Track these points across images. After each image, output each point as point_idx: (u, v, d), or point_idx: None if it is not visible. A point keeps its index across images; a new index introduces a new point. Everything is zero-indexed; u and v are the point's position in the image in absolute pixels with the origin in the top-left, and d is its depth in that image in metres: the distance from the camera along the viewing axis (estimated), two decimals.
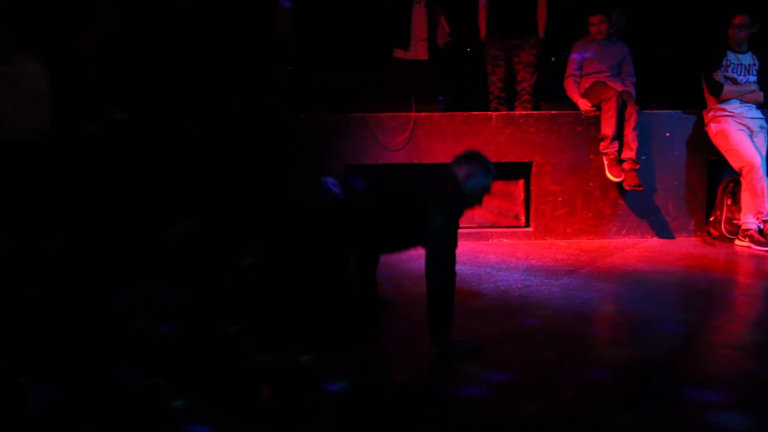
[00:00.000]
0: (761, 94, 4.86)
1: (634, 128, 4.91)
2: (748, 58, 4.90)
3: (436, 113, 5.24)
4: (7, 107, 4.65)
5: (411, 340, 2.80)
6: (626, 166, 4.89)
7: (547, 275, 3.99)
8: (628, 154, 4.89)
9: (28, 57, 4.78)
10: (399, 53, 5.80)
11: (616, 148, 4.89)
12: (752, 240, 4.73)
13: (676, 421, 2.05)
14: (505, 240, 5.07)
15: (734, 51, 4.90)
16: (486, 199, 5.13)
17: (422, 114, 5.15)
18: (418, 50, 5.73)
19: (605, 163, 4.96)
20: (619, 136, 4.91)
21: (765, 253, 4.60)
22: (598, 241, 5.07)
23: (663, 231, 5.20)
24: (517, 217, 5.26)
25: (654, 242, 5.05)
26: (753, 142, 4.81)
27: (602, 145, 4.96)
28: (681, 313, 3.39)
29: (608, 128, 4.89)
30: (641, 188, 4.87)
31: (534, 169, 5.12)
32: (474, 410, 2.13)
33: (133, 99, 5.16)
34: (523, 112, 5.28)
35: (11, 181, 4.60)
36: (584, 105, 5.15)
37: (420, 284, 2.73)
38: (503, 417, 2.08)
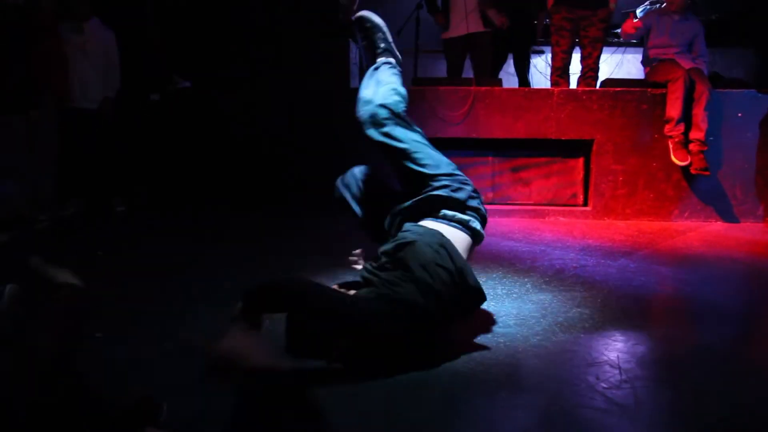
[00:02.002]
0: None
1: (705, 108, 4.73)
2: None
3: (497, 87, 5.17)
4: (77, 76, 4.82)
5: None
6: (693, 147, 4.73)
7: (603, 256, 3.92)
8: (697, 135, 4.73)
9: (98, 26, 4.94)
10: (445, 34, 5.71)
11: (682, 131, 4.73)
12: None
13: (728, 407, 2.00)
14: (562, 218, 5.00)
15: None
16: (544, 176, 5.14)
17: (482, 88, 5.09)
18: (470, 23, 5.57)
19: (670, 146, 4.81)
20: (685, 117, 4.74)
21: None
22: (658, 223, 4.95)
23: (728, 215, 5.03)
24: (575, 195, 5.17)
25: (718, 226, 4.89)
26: None
27: (667, 127, 4.80)
28: (743, 301, 3.29)
29: (674, 110, 4.73)
30: (708, 173, 4.72)
31: (595, 147, 5.01)
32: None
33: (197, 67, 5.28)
34: (586, 89, 5.17)
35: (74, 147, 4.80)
36: (629, 25, 4.99)
37: None
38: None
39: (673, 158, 4.79)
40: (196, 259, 3.75)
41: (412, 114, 4.97)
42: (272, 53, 5.21)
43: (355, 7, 6.22)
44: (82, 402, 1.49)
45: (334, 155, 5.11)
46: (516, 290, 3.14)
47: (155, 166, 5.30)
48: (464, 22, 5.50)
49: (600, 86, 5.42)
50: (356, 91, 5.13)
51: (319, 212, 5.01)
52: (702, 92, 4.74)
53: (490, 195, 5.11)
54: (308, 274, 3.33)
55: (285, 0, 5.25)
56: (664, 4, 5.15)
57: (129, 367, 2.21)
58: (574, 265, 3.69)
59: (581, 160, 5.14)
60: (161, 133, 5.28)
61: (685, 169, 4.92)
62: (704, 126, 4.73)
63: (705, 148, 4.71)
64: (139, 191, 5.33)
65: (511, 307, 2.90)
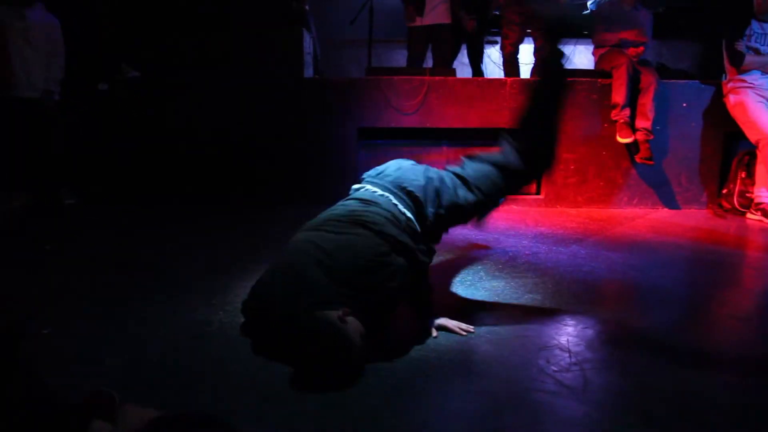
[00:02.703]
0: None
1: (653, 98, 4.85)
2: None
3: (450, 77, 5.20)
4: (19, 63, 4.66)
5: None
6: (640, 136, 4.85)
7: (555, 243, 4.00)
8: (644, 124, 4.85)
9: (42, 12, 4.77)
10: (410, 23, 5.72)
11: (628, 114, 4.84)
12: (764, 214, 4.71)
13: (672, 387, 2.07)
14: (515, 207, 5.07)
15: (759, 20, 4.80)
16: None
17: (436, 78, 5.12)
18: (438, 13, 5.62)
19: (616, 128, 4.91)
20: (631, 103, 4.85)
21: None
22: (608, 210, 5.07)
23: (674, 202, 5.19)
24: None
25: (665, 213, 5.04)
26: None
27: (613, 112, 4.92)
28: (688, 284, 3.40)
29: (619, 96, 4.84)
30: (651, 162, 4.85)
31: None
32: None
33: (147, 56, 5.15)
34: (537, 79, 5.23)
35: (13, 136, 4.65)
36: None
37: None
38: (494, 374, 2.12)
39: (618, 138, 4.88)
40: (145, 252, 3.68)
41: (366, 104, 4.98)
42: (223, 41, 5.12)
43: None
44: (29, 397, 1.45)
45: (287, 145, 5.08)
46: (469, 278, 3.18)
47: (104, 157, 5.17)
48: (432, 12, 5.54)
49: None
50: (310, 81, 5.09)
51: (273, 204, 4.99)
52: (650, 83, 4.86)
53: None
54: (260, 267, 3.31)
55: None
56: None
57: (78, 361, 2.16)
58: (527, 252, 3.75)
59: None
60: (110, 124, 5.15)
61: (633, 156, 5.04)
62: (651, 115, 4.85)
63: (651, 137, 4.84)
64: (88, 183, 5.19)
65: (465, 294, 2.94)
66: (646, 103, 4.86)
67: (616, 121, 4.93)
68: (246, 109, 5.06)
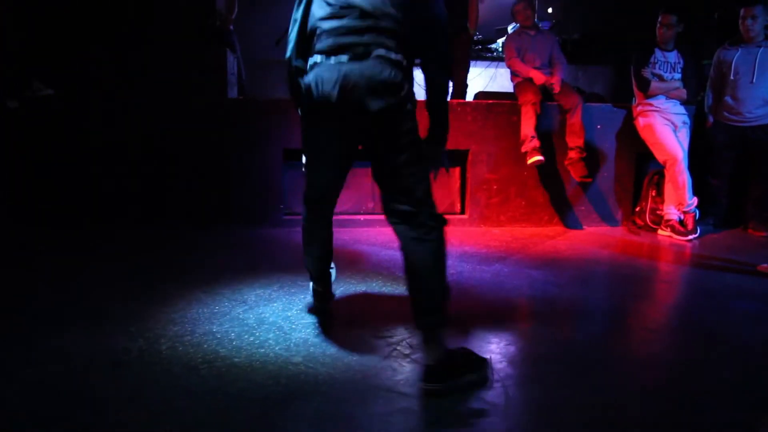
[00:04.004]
0: (685, 91, 5.08)
1: (581, 117, 5.02)
2: (673, 56, 5.11)
3: None
4: None
5: None
6: (574, 155, 4.99)
7: (479, 262, 4.08)
8: (576, 142, 4.99)
9: None
10: None
11: (538, 145, 4.93)
12: (673, 230, 4.97)
13: (589, 400, 2.15)
14: None
15: (661, 49, 5.10)
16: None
17: None
18: None
19: (527, 157, 4.98)
20: (538, 133, 4.98)
21: (684, 242, 4.85)
22: (530, 229, 5.22)
23: (592, 220, 5.40)
24: (452, 204, 5.35)
25: (583, 231, 5.23)
26: (676, 136, 5.03)
27: (523, 146, 4.99)
28: (605, 299, 3.55)
29: (527, 129, 4.97)
30: (590, 179, 5.02)
31: (470, 157, 5.21)
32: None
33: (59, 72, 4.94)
34: (461, 101, 5.37)
35: None
36: (537, 76, 5.16)
37: None
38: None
39: (528, 161, 4.97)
40: (59, 275, 3.52)
41: (292, 125, 4.95)
42: (143, 60, 4.99)
43: (233, 15, 6.14)
44: None
45: (210, 166, 4.99)
46: (395, 296, 3.21)
47: (14, 178, 4.92)
48: None
49: (473, 99, 5.68)
50: (234, 101, 5.04)
51: (195, 225, 4.88)
52: (576, 103, 5.04)
53: (371, 204, 5.18)
54: (181, 293, 3.24)
55: (158, 3, 5.03)
56: (518, 25, 5.50)
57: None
58: (451, 271, 3.80)
59: (458, 170, 5.33)
60: (20, 143, 4.90)
61: (552, 176, 5.24)
62: (582, 133, 5.00)
63: (584, 155, 4.99)
64: None
65: (388, 310, 2.95)
66: (575, 122, 5.03)
67: (523, 152, 5.01)
68: (167, 130, 4.94)
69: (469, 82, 6.03)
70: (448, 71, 2.41)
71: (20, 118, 4.85)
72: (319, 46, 2.23)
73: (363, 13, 2.16)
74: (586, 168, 4.97)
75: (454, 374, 2.15)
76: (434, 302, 2.22)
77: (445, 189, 5.33)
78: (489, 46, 7.93)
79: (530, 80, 5.15)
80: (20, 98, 4.79)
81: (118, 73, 4.92)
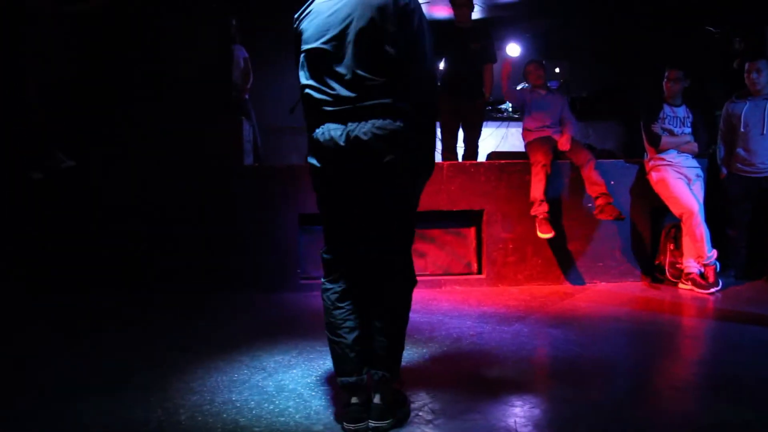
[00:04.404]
0: (696, 144, 5.11)
1: (595, 168, 5.04)
2: (682, 111, 5.16)
3: None
4: None
5: None
6: (601, 201, 4.94)
7: (499, 322, 4.04)
8: (599, 190, 4.97)
9: None
10: None
11: (547, 210, 4.95)
12: (694, 283, 4.90)
13: None
14: (458, 287, 5.12)
15: (670, 104, 5.16)
16: (438, 247, 5.28)
17: None
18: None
19: (536, 224, 5.00)
20: (546, 197, 5.01)
21: (706, 296, 4.77)
22: (548, 286, 5.18)
23: (611, 276, 5.35)
24: (469, 264, 5.33)
25: (602, 287, 5.17)
26: (691, 189, 5.03)
27: (532, 209, 5.01)
28: (628, 356, 3.48)
29: (536, 192, 4.99)
30: (623, 217, 4.96)
31: (485, 217, 5.23)
32: None
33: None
34: (474, 162, 5.44)
35: None
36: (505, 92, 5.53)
37: None
38: None
39: (538, 233, 4.99)
40: (78, 343, 3.52)
41: (307, 190, 5.01)
42: (162, 129, 5.12)
43: (248, 85, 6.31)
44: None
45: (227, 231, 5.05)
46: (414, 360, 3.17)
47: (35, 248, 4.98)
48: None
49: (486, 159, 5.74)
50: (250, 168, 5.13)
51: (211, 290, 4.89)
52: (588, 158, 5.07)
53: None
54: (201, 360, 3.22)
55: (172, 72, 5.19)
56: (529, 85, 5.62)
57: None
58: (471, 333, 3.77)
59: (473, 230, 5.34)
60: (42, 213, 4.98)
61: (569, 235, 5.23)
62: (602, 180, 4.97)
63: (611, 199, 4.95)
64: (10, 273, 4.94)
65: (410, 377, 2.91)
66: (591, 174, 5.03)
67: (532, 215, 5.03)
68: (186, 196, 5.02)
69: (480, 142, 6.13)
70: (435, 120, 2.57)
71: (42, 189, 4.94)
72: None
73: (351, 84, 2.34)
74: (617, 208, 4.92)
75: (395, 412, 2.40)
76: (401, 347, 2.46)
77: (461, 249, 5.33)
78: (499, 107, 8.07)
79: (541, 140, 5.21)
80: (43, 170, 4.89)
81: (137, 142, 5.05)
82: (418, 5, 2.41)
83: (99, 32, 5.14)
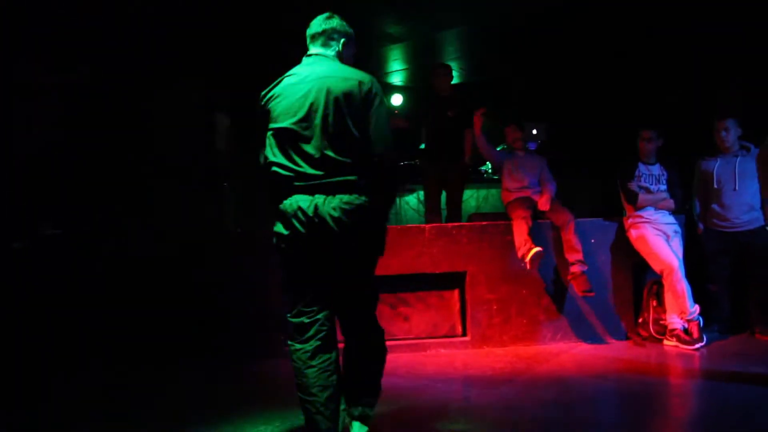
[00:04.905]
0: (672, 201, 5.21)
1: (575, 232, 5.10)
2: (657, 169, 5.28)
3: None
4: None
5: None
6: (576, 269, 5.00)
7: (485, 385, 3.99)
8: (576, 256, 5.03)
9: None
10: None
11: (531, 246, 4.97)
12: (679, 339, 4.90)
13: None
14: (443, 350, 5.07)
15: (644, 162, 5.29)
16: (422, 310, 5.25)
17: None
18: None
19: (527, 262, 4.99)
20: (532, 238, 5.06)
21: (692, 351, 4.76)
22: (533, 347, 5.14)
23: (595, 335, 5.33)
24: (453, 326, 5.30)
25: (587, 347, 5.14)
26: (670, 245, 5.09)
27: (520, 251, 5.03)
28: (616, 417, 3.44)
29: (521, 237, 5.03)
30: (592, 293, 4.99)
31: (468, 278, 5.23)
32: None
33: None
34: (455, 224, 5.47)
35: None
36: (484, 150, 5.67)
37: None
38: None
39: (527, 258, 4.95)
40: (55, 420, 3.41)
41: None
42: (147, 198, 5.14)
43: (234, 155, 6.40)
44: None
45: (211, 299, 5.00)
46: (401, 430, 3.11)
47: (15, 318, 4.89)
48: None
49: (467, 221, 5.79)
50: (232, 235, 5.12)
51: (195, 358, 4.79)
52: (568, 220, 5.13)
53: None
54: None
55: (160, 141, 5.25)
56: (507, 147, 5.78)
57: None
58: (458, 397, 3.72)
59: (456, 292, 5.32)
60: (26, 284, 4.91)
61: (553, 292, 5.24)
62: (579, 247, 5.05)
63: (586, 267, 5.00)
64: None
65: None
66: (570, 238, 5.09)
67: (521, 260, 5.02)
68: (170, 264, 4.98)
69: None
70: (393, 196, 2.81)
71: (26, 259, 4.89)
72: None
73: (319, 163, 2.54)
74: (588, 282, 4.97)
75: None
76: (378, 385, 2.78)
77: (445, 311, 5.30)
78: (479, 169, 8.22)
79: (521, 199, 5.29)
80: (26, 239, 4.86)
81: (122, 211, 5.06)
82: (380, 89, 2.62)
83: (85, 103, 5.23)
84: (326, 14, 2.79)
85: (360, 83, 2.55)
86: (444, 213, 6.33)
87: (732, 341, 5.13)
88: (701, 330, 4.91)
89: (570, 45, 7.55)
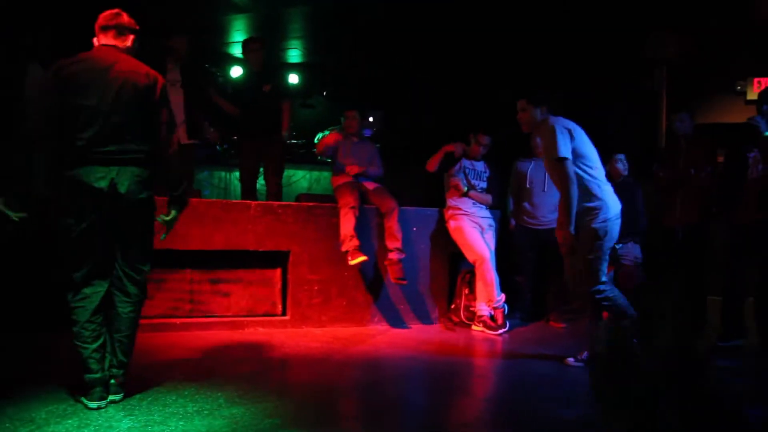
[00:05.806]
0: (490, 196, 5.56)
1: (397, 220, 5.23)
2: (480, 166, 5.60)
3: (194, 199, 5.10)
4: None
5: None
6: (393, 256, 5.12)
7: (300, 364, 3.98)
8: (395, 243, 5.16)
9: None
10: None
11: (357, 244, 5.04)
12: (485, 325, 5.24)
13: None
14: (261, 329, 4.98)
15: (469, 158, 5.57)
16: (243, 288, 5.12)
17: None
18: (180, 135, 5.61)
19: (348, 256, 5.05)
20: (357, 234, 5.14)
21: (496, 337, 5.12)
22: (351, 328, 5.23)
23: (411, 318, 5.54)
24: (273, 305, 5.23)
25: (403, 330, 5.33)
26: (484, 238, 5.42)
27: (343, 246, 5.07)
28: (423, 395, 3.59)
29: (346, 229, 5.08)
30: (405, 281, 5.16)
31: (291, 258, 5.18)
32: None
33: None
34: (282, 203, 5.39)
35: None
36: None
37: None
38: None
39: (349, 262, 5.07)
40: None
41: None
42: None
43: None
44: None
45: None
46: (207, 406, 2.99)
47: None
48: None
49: (295, 201, 5.74)
50: None
51: None
52: (392, 207, 5.25)
53: (188, 307, 4.91)
54: None
55: None
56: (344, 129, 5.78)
57: None
58: (270, 374, 3.67)
59: (279, 271, 5.25)
60: None
61: (372, 276, 5.36)
62: (399, 235, 5.19)
63: (403, 255, 5.15)
64: None
65: (201, 425, 2.75)
66: (392, 225, 5.22)
67: (344, 251, 5.08)
68: None
69: (292, 183, 6.16)
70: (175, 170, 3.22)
71: None
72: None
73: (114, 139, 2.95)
74: (402, 271, 5.14)
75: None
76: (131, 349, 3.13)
77: (266, 290, 5.22)
78: (313, 150, 8.19)
79: (349, 184, 5.34)
80: None
81: None
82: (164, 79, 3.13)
83: None
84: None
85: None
86: (264, 190, 6.23)
87: (531, 328, 5.59)
88: (505, 317, 5.30)
89: (411, 37, 7.74)
